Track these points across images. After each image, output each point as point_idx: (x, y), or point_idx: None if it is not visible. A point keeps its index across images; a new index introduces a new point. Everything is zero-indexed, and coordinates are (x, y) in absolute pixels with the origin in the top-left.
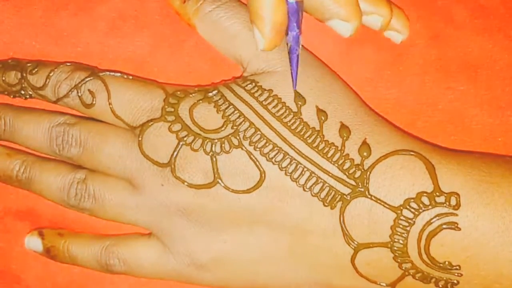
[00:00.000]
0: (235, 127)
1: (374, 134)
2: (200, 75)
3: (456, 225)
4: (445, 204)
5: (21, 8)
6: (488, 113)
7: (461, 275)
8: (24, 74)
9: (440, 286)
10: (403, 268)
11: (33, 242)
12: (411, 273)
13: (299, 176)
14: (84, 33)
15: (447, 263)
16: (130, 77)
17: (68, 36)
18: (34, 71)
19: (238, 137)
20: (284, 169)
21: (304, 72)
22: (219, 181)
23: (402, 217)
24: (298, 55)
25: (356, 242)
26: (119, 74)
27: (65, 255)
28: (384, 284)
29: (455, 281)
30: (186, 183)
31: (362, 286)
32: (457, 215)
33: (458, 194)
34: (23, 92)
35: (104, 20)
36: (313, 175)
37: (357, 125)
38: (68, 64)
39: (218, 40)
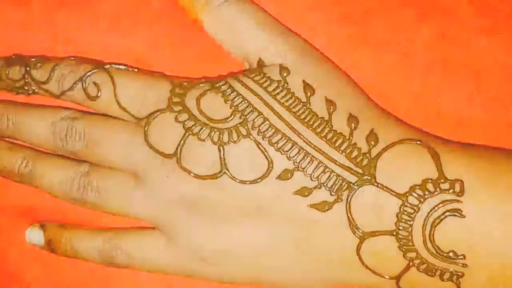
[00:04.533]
0: (243, 117)
1: (381, 124)
2: (201, 73)
3: (460, 212)
4: (449, 191)
5: (20, 4)
6: (493, 113)
7: (466, 265)
8: (28, 69)
9: (445, 278)
10: (408, 257)
11: (34, 235)
12: (416, 264)
13: (307, 165)
14: (84, 30)
15: (451, 253)
16: (136, 70)
17: (68, 33)
18: (38, 66)
19: (246, 127)
20: (292, 158)
21: (313, 64)
22: (226, 171)
23: (407, 204)
24: None
25: (361, 231)
26: (124, 66)
27: (66, 247)
28: (388, 277)
29: (460, 273)
30: (192, 174)
31: (367, 281)
32: (461, 202)
33: (462, 181)
34: (26, 87)
35: (105, 17)
36: (320, 164)
37: (365, 116)
38: (73, 58)
39: (225, 35)
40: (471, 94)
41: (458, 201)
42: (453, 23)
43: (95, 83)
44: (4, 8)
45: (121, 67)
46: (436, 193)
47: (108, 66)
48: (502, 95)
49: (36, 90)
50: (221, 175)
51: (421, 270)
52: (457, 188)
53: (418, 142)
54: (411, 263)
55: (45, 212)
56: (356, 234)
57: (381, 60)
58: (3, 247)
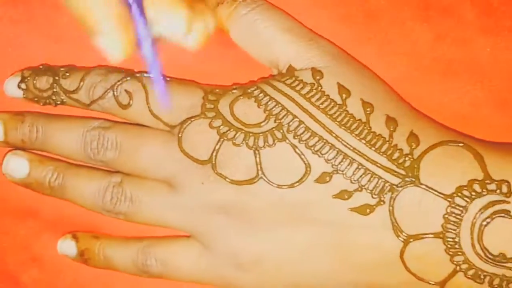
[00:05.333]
0: (278, 121)
1: (420, 126)
2: (204, 75)
3: (509, 213)
4: (496, 192)
5: (20, 5)
6: (495, 113)
7: None
8: (57, 78)
9: (495, 285)
10: (455, 262)
11: (66, 246)
12: (463, 269)
13: (346, 168)
14: (85, 32)
15: (501, 254)
16: (167, 78)
17: (68, 35)
18: (66, 75)
19: (281, 131)
20: (330, 161)
21: (345, 67)
22: (262, 176)
23: (454, 205)
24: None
25: (405, 234)
26: None
27: (100, 257)
28: (433, 283)
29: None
30: (228, 180)
31: (408, 285)
32: (509, 202)
33: (509, 182)
34: (54, 97)
35: None
36: (360, 166)
37: (402, 118)
38: (102, 67)
39: (253, 43)
40: (473, 94)
41: (506, 201)
42: (455, 24)
43: (127, 91)
44: (2, 8)
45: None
46: (483, 193)
47: (139, 74)
48: (504, 95)
49: (65, 100)
50: (258, 180)
51: (468, 275)
52: (504, 189)
53: (460, 144)
54: (458, 268)
55: (46, 213)
56: (400, 238)
57: (384, 60)
58: (3, 248)
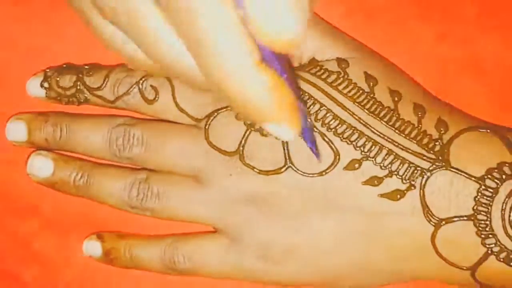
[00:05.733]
0: (305, 110)
1: (447, 113)
2: None
3: None
4: None
5: (20, 2)
6: (497, 112)
7: None
8: (80, 76)
9: None
10: (487, 244)
11: (92, 246)
12: (495, 252)
13: (375, 154)
14: (85, 29)
15: None
16: None
17: (68, 32)
18: (90, 73)
19: (309, 119)
20: (359, 148)
21: (370, 58)
22: (291, 165)
23: (485, 187)
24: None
25: (436, 218)
26: None
27: (126, 256)
28: (465, 268)
29: None
30: (256, 170)
31: (440, 273)
32: None
33: None
34: (77, 95)
35: None
36: (390, 152)
37: (430, 105)
38: (126, 65)
39: None
40: (474, 93)
41: None
42: (456, 23)
43: (152, 86)
44: (2, 5)
45: None
46: None
47: None
48: (506, 95)
49: (88, 98)
50: (286, 170)
51: (500, 259)
52: None
53: (487, 130)
54: (489, 251)
55: (46, 211)
56: (432, 222)
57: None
58: (3, 246)
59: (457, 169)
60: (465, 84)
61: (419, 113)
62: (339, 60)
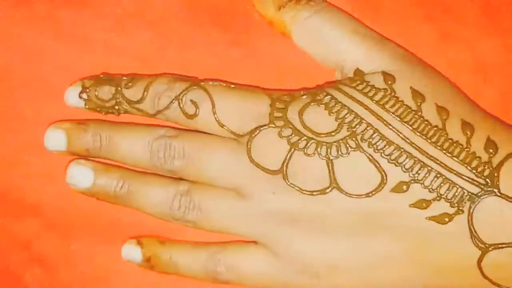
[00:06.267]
0: (351, 129)
1: (496, 131)
2: (208, 72)
3: None
4: None
5: (22, 2)
6: (499, 114)
7: None
8: (119, 88)
9: None
10: None
11: (132, 252)
12: None
13: (423, 177)
14: (88, 30)
15: None
16: (232, 86)
17: (71, 32)
18: (129, 85)
19: (355, 139)
20: (408, 170)
21: (417, 70)
22: (336, 185)
23: None
24: None
25: (484, 244)
26: (219, 82)
27: (167, 263)
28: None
29: None
30: (300, 190)
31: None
32: None
33: None
34: (117, 107)
35: (109, 16)
36: (439, 175)
37: (478, 122)
38: (166, 76)
39: (317, 46)
40: (476, 94)
41: None
42: (459, 23)
43: (192, 101)
44: (3, 4)
45: (216, 83)
46: None
47: (203, 83)
48: (507, 95)
49: (128, 110)
50: (331, 190)
51: None
52: None
53: None
54: None
55: (47, 212)
56: (479, 247)
57: None
58: (4, 247)
59: (506, 195)
60: (468, 84)
61: (468, 132)
62: (385, 75)
